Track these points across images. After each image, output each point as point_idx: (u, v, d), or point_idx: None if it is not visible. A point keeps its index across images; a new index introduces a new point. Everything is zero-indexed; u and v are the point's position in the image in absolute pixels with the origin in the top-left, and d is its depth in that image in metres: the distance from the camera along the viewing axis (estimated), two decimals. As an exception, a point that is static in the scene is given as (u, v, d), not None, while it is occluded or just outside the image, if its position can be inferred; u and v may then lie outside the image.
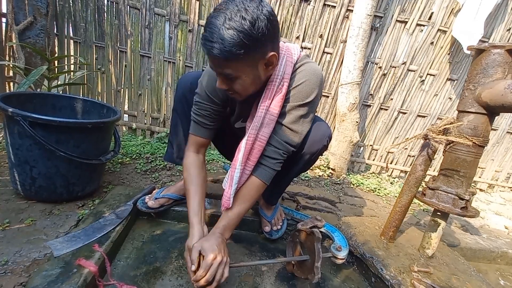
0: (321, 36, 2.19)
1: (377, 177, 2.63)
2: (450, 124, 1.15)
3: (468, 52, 2.04)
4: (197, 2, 2.02)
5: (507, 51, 1.04)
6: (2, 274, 0.78)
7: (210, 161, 2.06)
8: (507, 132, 2.70)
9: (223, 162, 2.05)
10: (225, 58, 0.72)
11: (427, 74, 2.37)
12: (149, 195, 1.24)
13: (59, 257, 0.84)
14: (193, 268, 0.79)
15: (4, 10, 1.83)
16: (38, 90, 1.71)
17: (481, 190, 2.91)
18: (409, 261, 1.21)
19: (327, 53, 2.26)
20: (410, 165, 2.63)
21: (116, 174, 1.56)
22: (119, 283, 0.85)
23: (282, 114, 0.93)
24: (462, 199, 1.14)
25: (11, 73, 1.92)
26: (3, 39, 1.84)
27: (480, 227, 2.03)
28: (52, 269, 0.79)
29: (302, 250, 1.10)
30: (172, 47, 2.13)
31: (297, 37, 2.18)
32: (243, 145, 0.92)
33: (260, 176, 0.97)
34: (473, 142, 1.10)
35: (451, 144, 1.17)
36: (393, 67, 2.33)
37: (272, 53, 0.80)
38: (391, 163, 2.68)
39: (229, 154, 1.45)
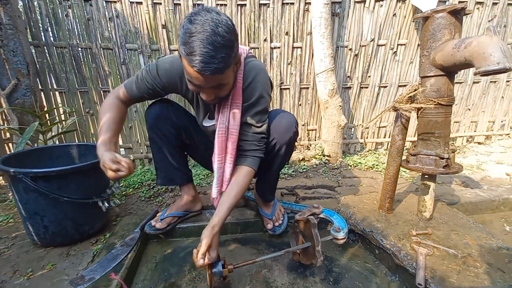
0: (287, 34, 2.27)
1: (374, 153, 2.68)
2: (414, 91, 1.21)
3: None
4: (164, 30, 2.13)
5: (449, 13, 1.10)
6: (33, 317, 0.86)
7: (210, 174, 2.14)
8: (491, 81, 2.73)
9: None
10: (220, 73, 0.81)
11: (398, 45, 2.43)
12: (154, 219, 1.32)
13: (81, 291, 0.93)
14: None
15: (-12, 79, 1.95)
16: (36, 145, 1.82)
17: (479, 143, 2.93)
18: (409, 227, 1.26)
19: (297, 47, 2.34)
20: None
21: (122, 206, 1.65)
22: (139, 304, 0.93)
23: (243, 113, 1.03)
24: (443, 158, 1.20)
25: (7, 135, 2.04)
26: (-6, 106, 1.95)
27: (481, 180, 2.06)
28: (76, 303, 0.87)
29: (304, 238, 1.16)
30: (151, 76, 2.22)
31: (265, 40, 2.26)
32: (216, 139, 1.04)
33: (245, 163, 1.07)
34: (439, 103, 1.16)
35: (421, 110, 1.24)
36: (362, 46, 2.40)
37: (239, 52, 0.91)
38: (384, 137, 2.73)
39: (209, 164, 1.52)
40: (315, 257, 1.03)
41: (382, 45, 2.42)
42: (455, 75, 1.21)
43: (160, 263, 1.18)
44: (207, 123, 1.20)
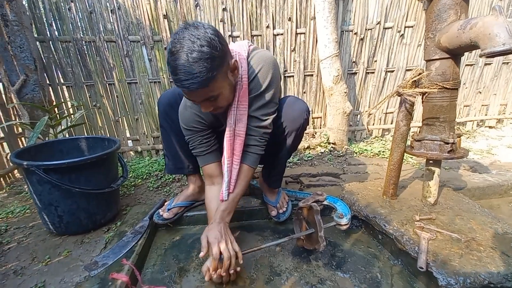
0: (290, 19, 2.23)
1: (381, 140, 2.66)
2: (419, 75, 1.19)
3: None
4: (165, 20, 2.12)
5: (454, -7, 1.06)
6: (52, 299, 0.93)
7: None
8: (503, 63, 2.63)
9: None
10: (204, 86, 0.81)
11: (405, 27, 2.35)
12: (162, 208, 1.37)
13: (95, 276, 0.98)
14: (201, 254, 0.94)
15: (-2, 75, 2.00)
16: (47, 138, 1.88)
17: (490, 127, 2.86)
18: (412, 213, 1.26)
19: (300, 33, 2.29)
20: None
21: (131, 196, 1.71)
22: (150, 286, 0.99)
23: (249, 106, 1.03)
24: (448, 143, 1.19)
25: (20, 130, 2.11)
26: (5, 102, 2.02)
27: (491, 164, 2.02)
28: (92, 286, 0.93)
29: (307, 224, 1.19)
30: (154, 68, 2.24)
31: (267, 26, 2.23)
32: (224, 142, 1.05)
33: (246, 162, 1.09)
34: (444, 87, 1.14)
35: (426, 94, 1.21)
36: (368, 29, 2.33)
37: (233, 59, 0.91)
38: (391, 123, 2.69)
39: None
40: (318, 243, 1.06)
41: (388, 28, 2.35)
42: (461, 58, 1.18)
43: (169, 250, 1.23)
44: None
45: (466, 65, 2.60)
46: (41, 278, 1.03)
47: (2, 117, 1.98)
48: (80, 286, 0.98)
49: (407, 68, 2.50)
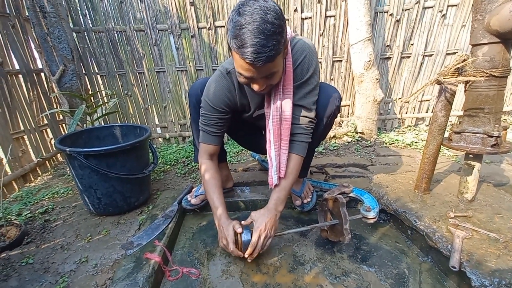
0: (319, 1, 2.12)
1: (414, 129, 2.51)
2: (463, 61, 1.08)
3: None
4: (192, 7, 2.11)
5: (512, -33, 0.93)
6: (94, 273, 1.03)
7: (240, 152, 2.21)
8: None
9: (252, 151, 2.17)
10: (271, 61, 0.79)
11: (448, 6, 2.13)
12: (190, 194, 1.43)
13: (131, 255, 1.06)
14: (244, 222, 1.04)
15: (40, 66, 2.15)
16: (85, 125, 2.02)
17: (542, 116, 2.57)
18: (446, 209, 1.20)
19: (330, 16, 2.18)
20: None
21: (161, 181, 1.80)
22: (180, 267, 1.05)
23: (295, 93, 1.01)
24: (492, 137, 1.09)
25: (61, 117, 2.27)
26: (47, 90, 2.17)
27: (540, 158, 1.84)
28: (128, 264, 1.01)
29: (332, 216, 1.18)
30: (181, 56, 2.27)
31: (295, 10, 2.14)
32: (270, 127, 1.04)
33: (295, 151, 1.09)
34: (492, 75, 1.03)
35: (470, 83, 1.11)
36: (405, 10, 2.15)
37: (287, 36, 0.88)
38: (426, 112, 2.52)
39: (250, 146, 1.56)
40: (343, 235, 1.05)
41: (429, 8, 2.15)
42: (515, 41, 1.05)
43: (197, 234, 1.29)
44: (256, 113, 1.20)
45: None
46: (84, 254, 1.14)
47: (45, 105, 2.14)
48: (118, 263, 1.07)
49: (448, 52, 2.29)
